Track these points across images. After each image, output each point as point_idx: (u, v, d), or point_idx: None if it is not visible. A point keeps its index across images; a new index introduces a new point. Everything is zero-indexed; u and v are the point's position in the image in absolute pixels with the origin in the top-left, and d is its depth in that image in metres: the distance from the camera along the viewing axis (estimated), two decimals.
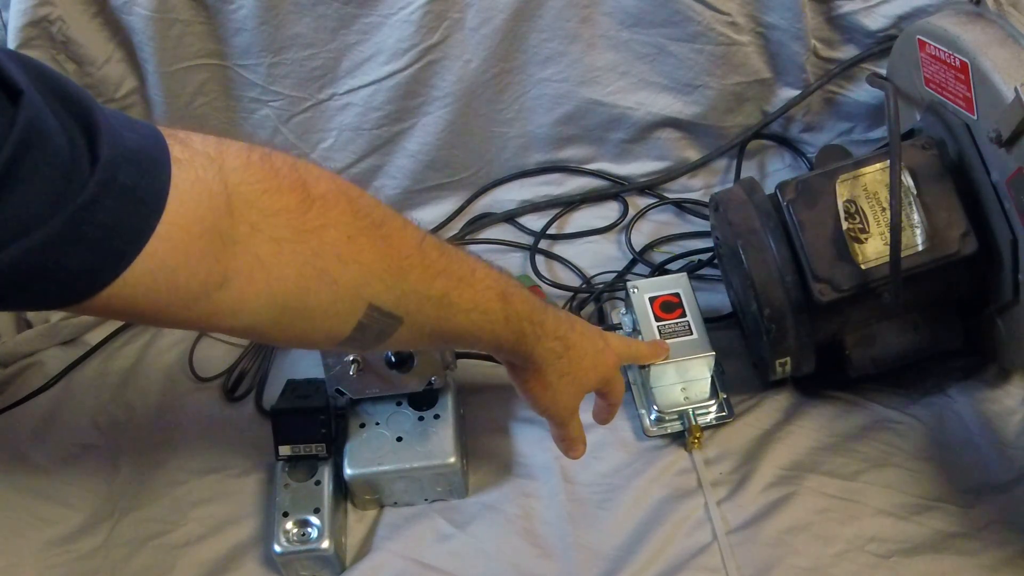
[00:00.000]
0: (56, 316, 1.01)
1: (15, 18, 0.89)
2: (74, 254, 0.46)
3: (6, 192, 0.44)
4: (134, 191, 0.48)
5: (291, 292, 0.55)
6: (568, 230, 1.11)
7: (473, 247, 1.10)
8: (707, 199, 1.04)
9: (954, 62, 0.80)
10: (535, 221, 1.12)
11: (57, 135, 0.46)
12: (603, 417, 0.82)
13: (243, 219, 0.52)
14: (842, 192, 0.82)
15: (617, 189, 1.12)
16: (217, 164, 0.52)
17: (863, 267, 0.81)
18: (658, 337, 0.88)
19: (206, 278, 0.51)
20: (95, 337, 1.03)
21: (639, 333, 0.89)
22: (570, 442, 0.79)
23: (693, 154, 1.12)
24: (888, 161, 0.80)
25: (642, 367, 0.88)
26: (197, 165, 0.51)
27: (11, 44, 0.90)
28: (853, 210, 0.82)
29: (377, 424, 0.87)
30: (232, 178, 0.52)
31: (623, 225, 1.10)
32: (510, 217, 1.12)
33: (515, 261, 1.09)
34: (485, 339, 0.67)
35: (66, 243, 0.46)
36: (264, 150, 0.55)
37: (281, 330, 0.57)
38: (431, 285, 0.61)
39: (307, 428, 0.84)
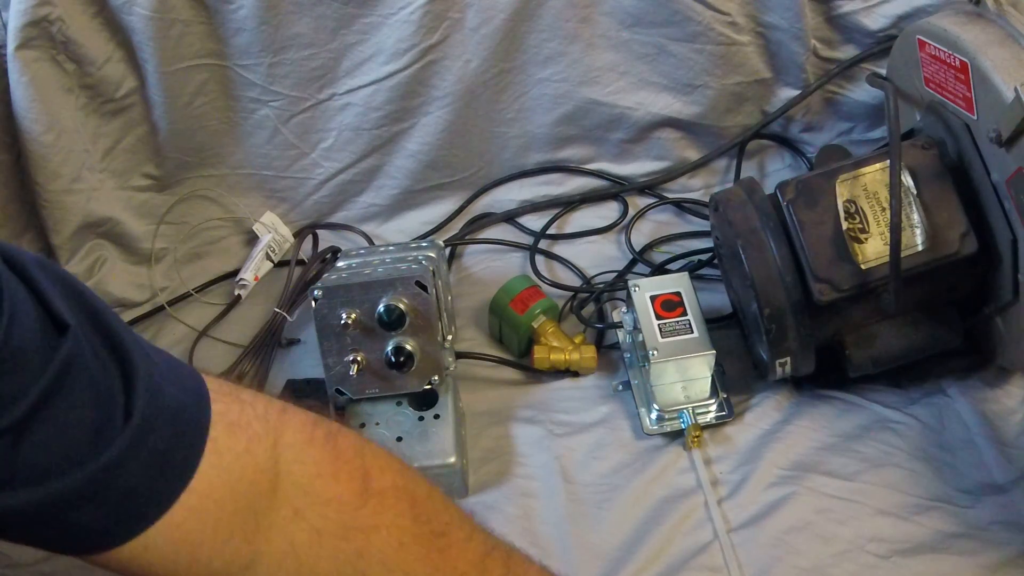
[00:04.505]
0: None
1: (15, 18, 0.89)
2: (87, 511, 0.43)
3: (34, 427, 0.40)
4: (164, 455, 0.44)
5: None
6: (568, 230, 1.11)
7: (473, 247, 1.10)
8: (707, 199, 1.04)
9: (954, 62, 0.80)
10: (535, 221, 1.12)
11: (95, 378, 0.42)
12: None
13: (287, 502, 0.48)
14: (842, 192, 0.82)
15: (617, 189, 1.12)
16: (273, 436, 0.48)
17: (863, 267, 0.81)
18: (658, 334, 0.88)
19: (232, 557, 0.48)
20: None
21: (640, 331, 0.89)
22: None
23: (693, 154, 1.12)
24: (888, 161, 0.80)
25: (643, 365, 0.88)
26: (251, 433, 0.47)
27: (11, 44, 0.89)
28: (853, 210, 0.82)
29: (377, 424, 0.87)
30: (286, 455, 0.48)
31: (623, 225, 1.10)
32: (510, 217, 1.12)
33: (515, 261, 1.09)
34: None
35: (81, 500, 0.43)
36: (331, 427, 0.51)
37: None
38: None
39: None
